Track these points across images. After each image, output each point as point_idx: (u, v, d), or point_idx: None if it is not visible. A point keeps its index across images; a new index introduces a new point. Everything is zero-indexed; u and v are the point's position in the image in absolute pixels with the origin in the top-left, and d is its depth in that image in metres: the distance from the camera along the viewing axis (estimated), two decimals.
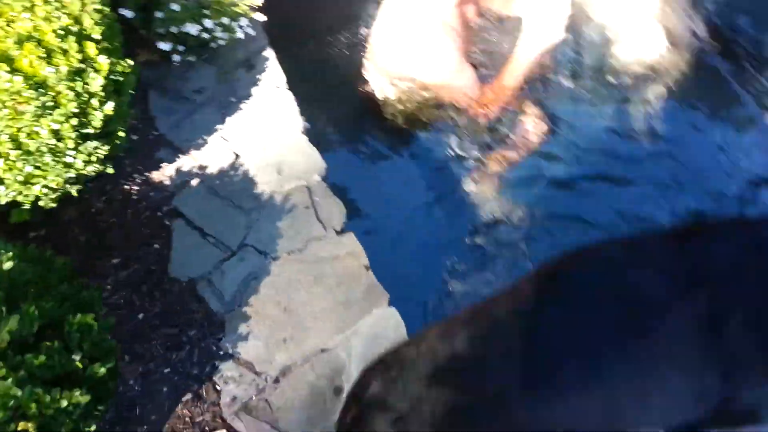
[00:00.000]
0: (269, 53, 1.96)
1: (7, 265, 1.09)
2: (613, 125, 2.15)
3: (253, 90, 1.86)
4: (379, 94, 2.11)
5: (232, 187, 1.69)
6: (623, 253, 1.15)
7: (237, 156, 1.73)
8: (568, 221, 1.83)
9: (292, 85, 1.90)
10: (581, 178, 2.02)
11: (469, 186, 2.02)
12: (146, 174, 1.67)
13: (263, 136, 1.78)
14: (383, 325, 1.50)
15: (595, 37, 2.39)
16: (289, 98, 1.87)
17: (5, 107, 1.22)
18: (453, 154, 2.05)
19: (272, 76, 1.91)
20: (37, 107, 1.23)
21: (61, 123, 1.26)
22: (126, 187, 1.64)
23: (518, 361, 1.24)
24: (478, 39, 2.24)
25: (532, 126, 2.16)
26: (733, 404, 0.95)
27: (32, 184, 1.31)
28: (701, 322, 0.98)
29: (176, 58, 1.81)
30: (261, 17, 1.90)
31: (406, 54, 2.05)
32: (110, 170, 1.46)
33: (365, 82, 2.15)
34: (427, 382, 1.32)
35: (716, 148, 2.08)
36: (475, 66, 2.14)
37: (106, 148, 1.39)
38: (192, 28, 1.77)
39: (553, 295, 1.26)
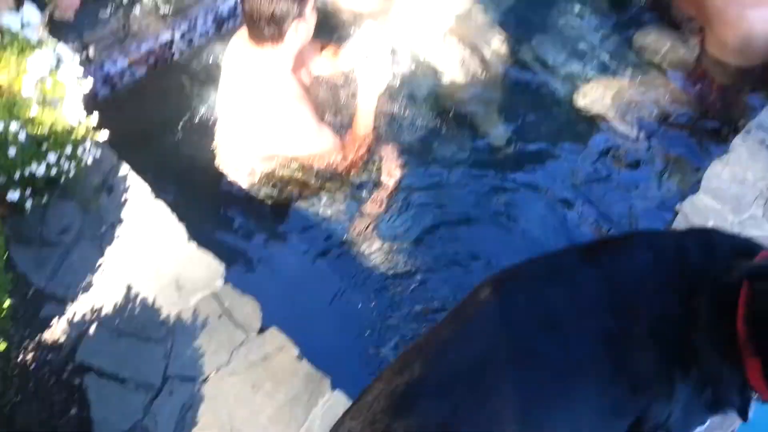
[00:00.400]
0: (124, 168, 1.88)
1: None
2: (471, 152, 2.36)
3: (123, 212, 1.78)
4: (245, 181, 2.11)
5: (135, 321, 1.61)
6: (541, 272, 1.25)
7: (130, 287, 1.65)
8: (466, 259, 2.00)
9: (160, 194, 1.85)
10: (462, 214, 2.20)
11: (358, 243, 2.10)
12: (37, 337, 1.54)
13: (151, 257, 1.71)
14: (333, 411, 1.52)
15: (424, 68, 2.60)
16: (162, 208, 1.82)
17: None
18: (336, 216, 2.12)
19: (136, 191, 1.84)
20: None
21: None
22: (19, 359, 1.50)
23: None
24: (322, 99, 2.32)
25: (393, 166, 2.28)
26: (646, 422, 1.10)
27: None
28: (611, 339, 1.11)
29: (28, 204, 1.68)
30: (103, 135, 1.80)
31: (259, 133, 2.07)
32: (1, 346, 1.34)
33: (226, 171, 2.15)
34: None
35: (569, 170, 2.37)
36: (330, 126, 2.21)
37: None
38: (37, 168, 1.66)
39: (472, 321, 1.31)
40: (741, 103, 2.52)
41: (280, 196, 2.12)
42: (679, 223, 1.86)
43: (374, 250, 2.11)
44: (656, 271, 1.13)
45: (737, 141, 2.06)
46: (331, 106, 2.36)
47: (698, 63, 2.57)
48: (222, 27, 2.61)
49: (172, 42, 2.47)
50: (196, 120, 2.29)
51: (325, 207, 2.17)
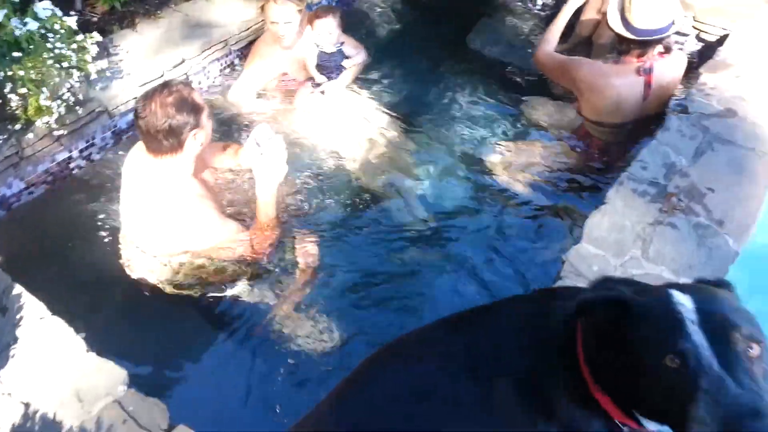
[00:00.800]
0: (18, 289, 1.86)
1: None
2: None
3: (18, 331, 1.75)
4: (153, 278, 2.12)
5: None
6: (413, 346, 1.32)
7: (27, 405, 1.60)
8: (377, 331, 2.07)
9: (56, 310, 1.83)
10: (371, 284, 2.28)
11: (282, 325, 2.12)
12: None
13: (49, 373, 1.67)
14: None
15: (327, 155, 2.75)
16: (59, 323, 1.79)
17: None
18: (251, 303, 2.14)
19: (31, 310, 1.81)
20: None
21: None
22: None
23: None
24: (227, 193, 2.40)
25: (307, 248, 2.35)
26: None
27: None
28: (478, 401, 1.17)
29: None
30: None
31: (165, 233, 2.11)
32: None
33: (131, 272, 2.16)
34: None
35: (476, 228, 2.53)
36: (237, 217, 2.27)
37: None
38: None
39: (360, 396, 1.34)
40: (620, 154, 2.77)
41: (192, 288, 2.14)
42: (567, 272, 1.95)
43: (299, 332, 2.14)
44: (511, 333, 1.21)
45: (611, 193, 2.20)
46: (238, 199, 2.45)
47: (580, 125, 2.83)
48: (121, 139, 2.69)
49: (70, 159, 2.52)
50: (97, 231, 2.32)
51: (245, 294, 2.20)
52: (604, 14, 3.08)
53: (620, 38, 2.57)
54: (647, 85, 2.59)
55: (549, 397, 1.13)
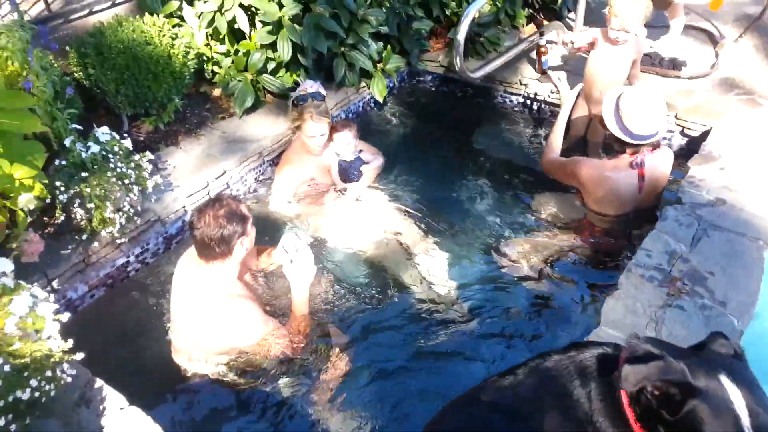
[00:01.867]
0: (98, 382, 2.05)
1: None
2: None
3: (102, 421, 1.93)
4: (206, 369, 2.33)
5: None
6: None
7: None
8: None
9: (134, 400, 2.02)
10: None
11: (315, 415, 2.28)
12: None
13: None
14: None
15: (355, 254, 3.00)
16: (138, 412, 1.97)
17: None
18: (288, 394, 2.32)
19: (112, 401, 2.00)
20: None
21: None
22: None
23: None
24: (264, 291, 2.63)
25: (338, 349, 2.54)
26: None
27: None
28: None
29: (12, 428, 1.81)
30: (79, 355, 2.01)
31: (216, 331, 2.30)
32: None
33: (186, 365, 2.36)
34: None
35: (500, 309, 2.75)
36: (273, 313, 2.49)
37: None
38: (22, 394, 1.82)
39: None
40: (622, 242, 3.03)
41: (236, 381, 2.32)
42: None
43: (331, 424, 2.30)
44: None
45: (623, 279, 2.44)
46: (274, 296, 2.68)
47: (584, 217, 3.12)
48: (171, 244, 2.96)
49: (127, 263, 2.77)
50: (153, 325, 2.53)
51: (282, 385, 2.37)
52: (595, 116, 3.48)
53: (618, 140, 2.90)
54: (641, 177, 2.90)
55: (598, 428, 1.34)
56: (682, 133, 3.62)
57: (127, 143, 2.83)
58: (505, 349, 2.61)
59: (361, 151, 3.47)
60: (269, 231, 3.12)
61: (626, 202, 2.99)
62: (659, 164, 2.97)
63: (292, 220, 3.22)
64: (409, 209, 3.31)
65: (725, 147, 3.23)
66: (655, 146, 2.92)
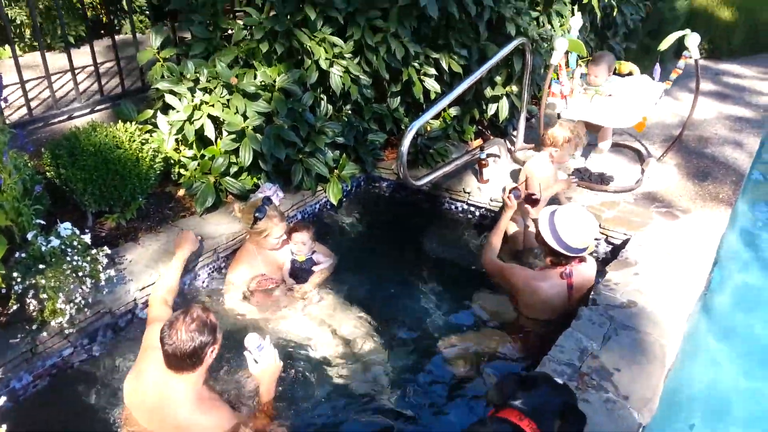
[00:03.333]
0: None
1: None
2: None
3: None
4: None
5: None
6: None
7: None
8: None
9: None
10: None
11: None
12: None
13: None
14: None
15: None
16: None
17: None
18: None
19: None
20: None
21: None
22: None
23: None
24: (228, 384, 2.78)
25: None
26: None
27: None
28: None
29: None
30: None
31: None
32: None
33: None
34: None
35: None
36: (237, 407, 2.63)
37: None
38: None
39: None
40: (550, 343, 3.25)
41: None
42: None
43: None
44: None
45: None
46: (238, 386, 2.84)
47: (516, 319, 3.35)
48: (119, 334, 3.10)
49: (73, 353, 2.89)
50: (95, 418, 2.62)
51: None
52: (527, 227, 3.81)
53: (553, 252, 3.19)
54: (569, 286, 3.18)
55: None
56: (606, 241, 3.95)
57: (87, 238, 3.03)
58: None
59: (314, 252, 3.72)
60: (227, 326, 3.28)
61: (556, 309, 3.25)
62: (585, 273, 3.27)
63: (245, 317, 3.39)
64: (356, 308, 3.51)
65: (641, 254, 3.54)
66: (581, 258, 3.22)
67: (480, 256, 3.61)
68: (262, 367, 2.58)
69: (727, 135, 5.63)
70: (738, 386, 3.15)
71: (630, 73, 4.95)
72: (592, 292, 3.17)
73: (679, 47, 4.54)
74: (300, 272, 3.69)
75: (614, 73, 4.85)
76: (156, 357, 2.42)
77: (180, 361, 2.31)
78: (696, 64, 4.45)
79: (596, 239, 3.95)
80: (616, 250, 3.78)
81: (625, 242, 3.79)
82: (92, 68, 4.59)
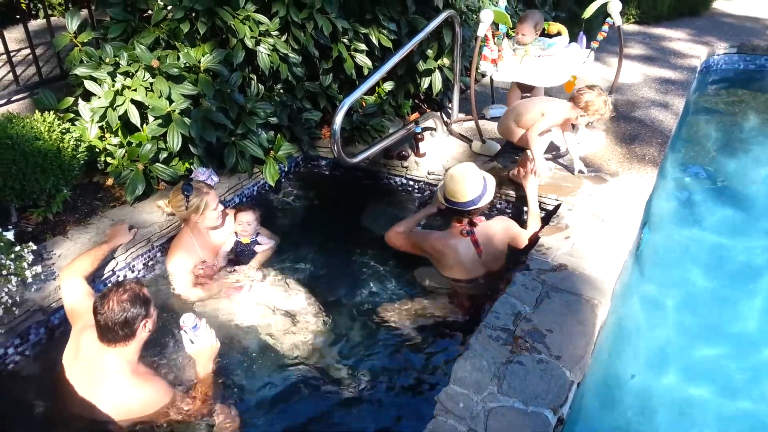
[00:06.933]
0: None
1: None
2: None
3: None
4: None
5: None
6: None
7: None
8: None
9: None
10: None
11: None
12: None
13: None
14: None
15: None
16: None
17: None
18: None
19: None
20: None
21: None
22: None
23: None
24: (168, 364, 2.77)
25: (225, 415, 2.65)
26: None
27: None
28: None
29: None
30: None
31: (123, 407, 2.45)
32: None
33: None
34: None
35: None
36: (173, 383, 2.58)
37: None
38: None
39: None
40: (478, 305, 3.35)
41: None
42: (438, 411, 2.33)
43: None
44: None
45: (473, 340, 2.69)
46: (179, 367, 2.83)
47: (445, 284, 3.46)
48: (54, 334, 3.00)
49: (5, 354, 2.79)
50: (32, 420, 2.55)
51: None
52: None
53: (443, 209, 3.46)
54: (475, 242, 3.36)
55: None
56: (541, 207, 4.05)
57: (10, 235, 2.91)
58: (375, 409, 2.82)
59: (258, 234, 3.69)
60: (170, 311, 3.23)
61: (470, 267, 3.40)
62: (491, 230, 3.43)
63: (189, 300, 3.34)
64: (299, 287, 3.50)
65: (572, 219, 3.66)
66: (482, 215, 3.40)
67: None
68: (198, 347, 2.61)
69: (654, 97, 5.84)
70: (671, 336, 3.33)
71: (558, 33, 5.02)
72: (528, 258, 3.26)
73: (608, 14, 4.65)
74: (243, 254, 3.65)
75: (543, 34, 4.91)
76: (88, 334, 2.46)
77: (111, 332, 2.34)
78: (619, 30, 4.57)
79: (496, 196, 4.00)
80: (548, 216, 3.89)
81: (556, 208, 3.90)
82: (5, 57, 4.35)
